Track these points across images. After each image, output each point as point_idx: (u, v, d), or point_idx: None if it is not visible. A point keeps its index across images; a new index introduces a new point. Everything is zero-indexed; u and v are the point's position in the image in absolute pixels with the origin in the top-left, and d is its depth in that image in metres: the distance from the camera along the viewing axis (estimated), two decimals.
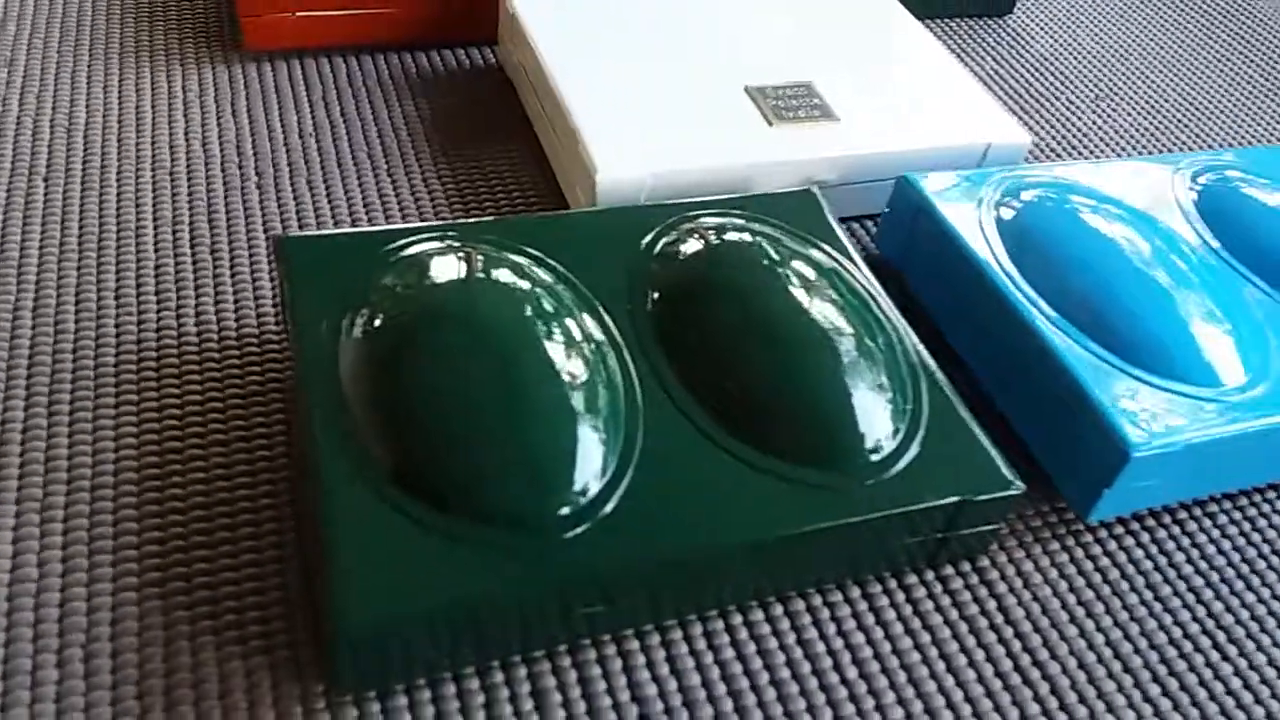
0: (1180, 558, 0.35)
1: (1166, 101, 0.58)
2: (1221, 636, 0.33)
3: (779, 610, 0.32)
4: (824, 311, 0.35)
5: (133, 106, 0.47)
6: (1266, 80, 0.61)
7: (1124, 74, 0.60)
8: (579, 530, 0.29)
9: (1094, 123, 0.56)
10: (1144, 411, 0.34)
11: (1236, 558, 0.36)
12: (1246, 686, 0.32)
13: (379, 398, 0.31)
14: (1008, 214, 0.40)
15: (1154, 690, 0.32)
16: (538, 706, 0.29)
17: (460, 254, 0.35)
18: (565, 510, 0.29)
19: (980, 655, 0.32)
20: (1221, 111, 0.58)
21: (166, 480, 0.33)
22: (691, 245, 0.38)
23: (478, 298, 0.34)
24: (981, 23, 0.63)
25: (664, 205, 0.39)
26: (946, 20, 0.62)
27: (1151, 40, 0.64)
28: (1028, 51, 0.61)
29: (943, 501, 0.31)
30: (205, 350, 0.37)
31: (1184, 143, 0.55)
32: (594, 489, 0.30)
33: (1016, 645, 0.32)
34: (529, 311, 0.34)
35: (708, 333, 0.35)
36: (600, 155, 0.41)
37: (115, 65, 0.49)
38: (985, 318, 0.38)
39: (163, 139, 0.45)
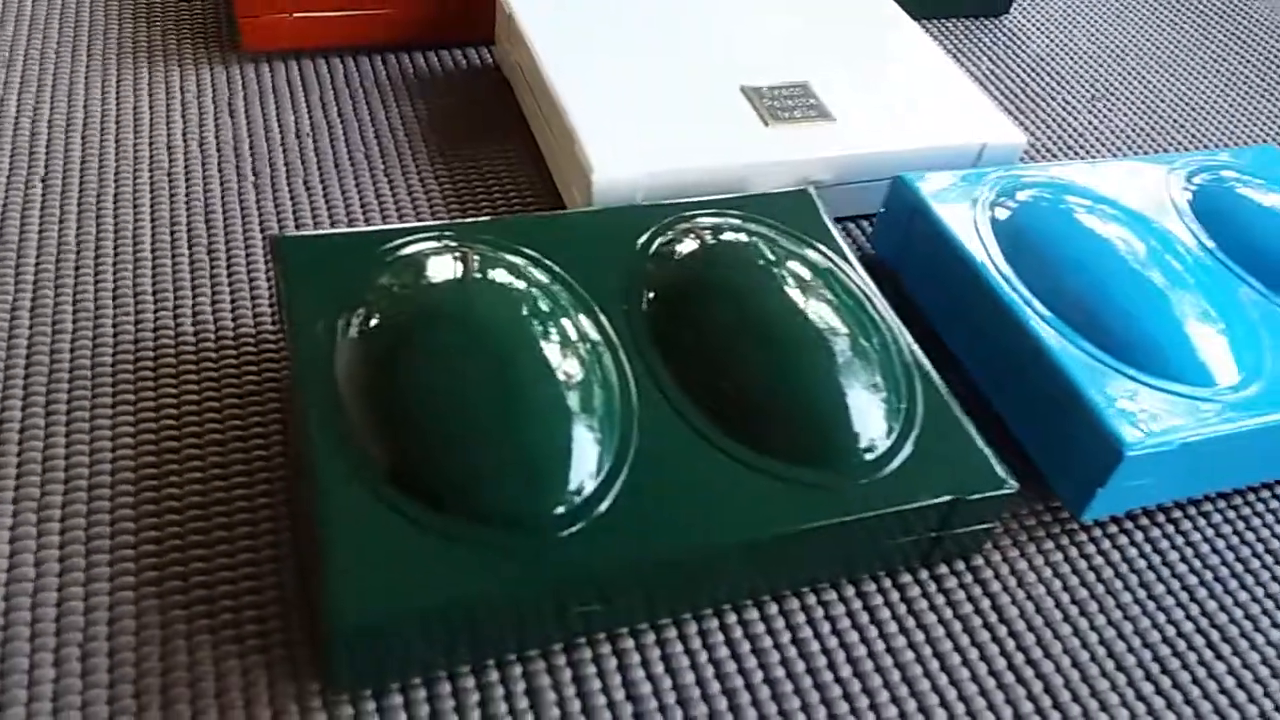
0: (1174, 556, 0.36)
1: (1162, 101, 0.58)
2: (1215, 635, 0.34)
3: (774, 609, 0.32)
4: (819, 312, 0.35)
5: (131, 107, 0.47)
6: (1262, 80, 0.61)
7: (1120, 74, 0.60)
8: (574, 529, 0.29)
9: (1090, 123, 0.56)
10: (1137, 411, 0.34)
11: (1230, 556, 0.36)
12: (1240, 685, 0.32)
13: (375, 397, 0.31)
14: (1003, 214, 0.40)
15: (1147, 688, 0.32)
16: (532, 705, 0.29)
17: (456, 254, 0.35)
18: (560, 509, 0.29)
19: (974, 654, 0.32)
20: (1217, 111, 0.58)
21: (163, 480, 0.33)
22: (687, 245, 0.38)
23: (473, 298, 0.34)
24: (978, 23, 0.63)
25: (659, 205, 0.39)
26: (943, 20, 0.62)
27: (1147, 40, 0.64)
28: (1024, 51, 0.61)
29: (936, 500, 0.31)
30: (202, 350, 0.37)
31: (1180, 143, 0.55)
32: (589, 488, 0.30)
33: (1010, 643, 0.32)
34: (524, 311, 0.34)
35: (703, 332, 0.35)
36: (596, 155, 0.41)
37: (114, 66, 0.49)
38: (980, 317, 0.38)
39: (160, 139, 0.46)
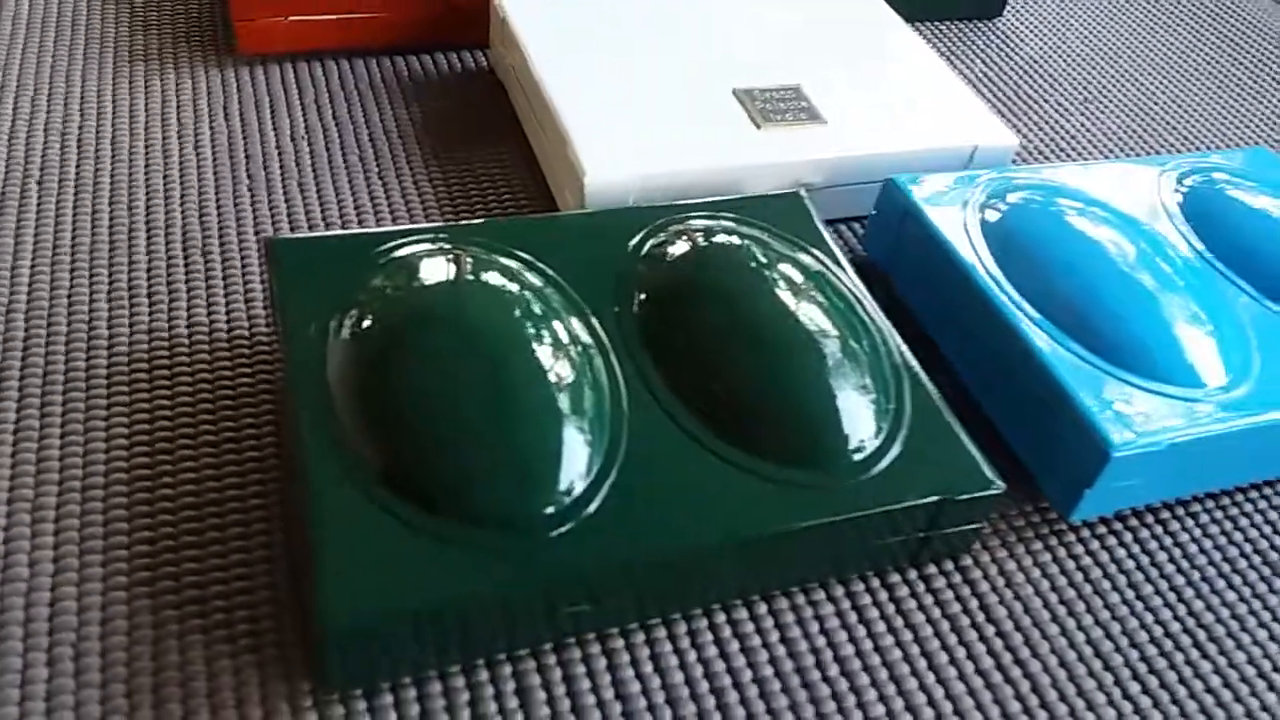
0: (1162, 557, 0.36)
1: (1155, 104, 0.59)
2: (1202, 635, 0.34)
3: (763, 609, 0.33)
4: (809, 314, 0.36)
5: (126, 109, 0.47)
6: (1254, 82, 0.62)
7: (1113, 76, 0.60)
8: (564, 529, 0.29)
9: (1083, 125, 0.56)
10: (1125, 412, 0.34)
11: (1218, 556, 0.36)
12: (1226, 685, 0.33)
13: (367, 399, 0.31)
14: (993, 216, 0.41)
15: (1134, 688, 0.32)
16: (522, 705, 0.29)
17: (449, 256, 0.36)
18: (550, 510, 0.30)
19: (961, 653, 0.32)
20: (1209, 113, 0.58)
21: (157, 481, 0.33)
22: (678, 247, 0.38)
23: (466, 300, 0.34)
24: (971, 25, 0.63)
25: (651, 207, 0.40)
26: (937, 23, 0.63)
27: (1140, 43, 0.64)
28: (1017, 54, 0.61)
29: (924, 500, 0.32)
30: (196, 352, 0.37)
31: (1172, 145, 0.56)
32: (579, 489, 0.30)
33: (998, 643, 0.33)
34: (516, 313, 0.34)
35: (693, 334, 0.35)
36: (589, 158, 0.41)
37: (109, 69, 0.50)
38: (970, 320, 0.38)
39: (156, 142, 0.46)
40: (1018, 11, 0.65)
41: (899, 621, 0.33)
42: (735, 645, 0.32)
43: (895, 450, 0.33)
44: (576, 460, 0.31)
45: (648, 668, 0.31)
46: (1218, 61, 0.63)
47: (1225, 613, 0.34)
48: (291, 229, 0.43)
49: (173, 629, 0.30)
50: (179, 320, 0.38)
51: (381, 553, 0.28)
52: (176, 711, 0.28)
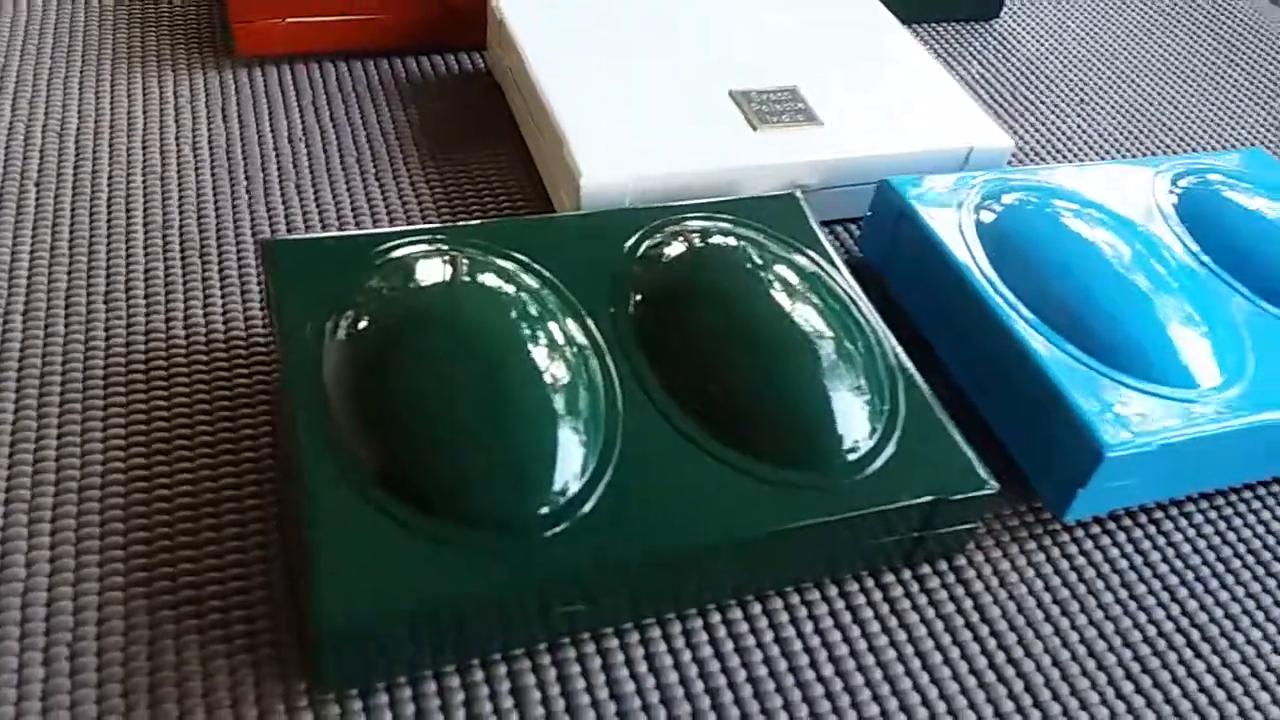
0: (1156, 557, 0.36)
1: (1151, 105, 0.59)
2: (1195, 634, 0.34)
3: (757, 609, 0.33)
4: (803, 315, 0.36)
5: (124, 111, 0.48)
6: (1250, 84, 0.62)
7: (1109, 78, 0.60)
8: (558, 530, 0.29)
9: (1079, 126, 0.56)
10: (1118, 412, 0.34)
11: (1212, 556, 0.36)
12: (1219, 684, 0.33)
13: (362, 400, 0.31)
14: (988, 217, 0.41)
15: (1127, 687, 0.32)
16: (517, 704, 0.29)
17: (445, 257, 0.36)
18: (545, 510, 0.30)
19: (956, 653, 0.32)
20: (1206, 115, 0.59)
21: (154, 482, 0.33)
22: (674, 248, 0.38)
23: (461, 301, 0.34)
24: (968, 27, 0.63)
25: (647, 209, 0.40)
26: (933, 24, 0.63)
27: (1137, 44, 0.64)
28: (1013, 55, 0.61)
29: (918, 500, 0.32)
30: (193, 353, 0.37)
31: (1168, 146, 0.56)
32: (573, 489, 0.30)
33: (992, 643, 0.33)
34: (511, 315, 0.34)
35: (688, 335, 0.35)
36: (585, 159, 0.42)
37: (107, 70, 0.50)
38: (964, 321, 0.38)
39: (153, 143, 0.46)
40: (1015, 13, 0.65)
41: (893, 621, 0.33)
42: (730, 645, 0.32)
43: (889, 450, 0.33)
44: (571, 461, 0.31)
45: (642, 668, 0.31)
46: (1215, 63, 0.63)
47: (1219, 612, 0.35)
48: (289, 230, 0.43)
49: (169, 629, 0.30)
50: (176, 321, 0.38)
51: (377, 553, 0.28)
52: (172, 711, 0.28)
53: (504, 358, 0.33)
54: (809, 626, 0.32)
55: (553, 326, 0.34)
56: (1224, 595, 0.35)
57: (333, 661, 0.28)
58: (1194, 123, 0.58)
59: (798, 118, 0.45)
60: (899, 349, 0.36)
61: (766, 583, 0.33)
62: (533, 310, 0.34)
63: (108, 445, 0.34)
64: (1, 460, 0.33)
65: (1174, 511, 0.37)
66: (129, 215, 0.42)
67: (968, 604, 0.34)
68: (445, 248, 0.36)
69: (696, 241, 0.38)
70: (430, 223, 0.44)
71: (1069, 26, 0.65)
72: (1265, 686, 0.33)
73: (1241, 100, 0.60)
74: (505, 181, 0.47)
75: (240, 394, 0.36)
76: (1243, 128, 0.58)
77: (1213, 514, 0.38)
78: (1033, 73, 0.60)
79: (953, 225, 0.40)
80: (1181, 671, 0.33)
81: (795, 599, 0.33)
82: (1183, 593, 0.35)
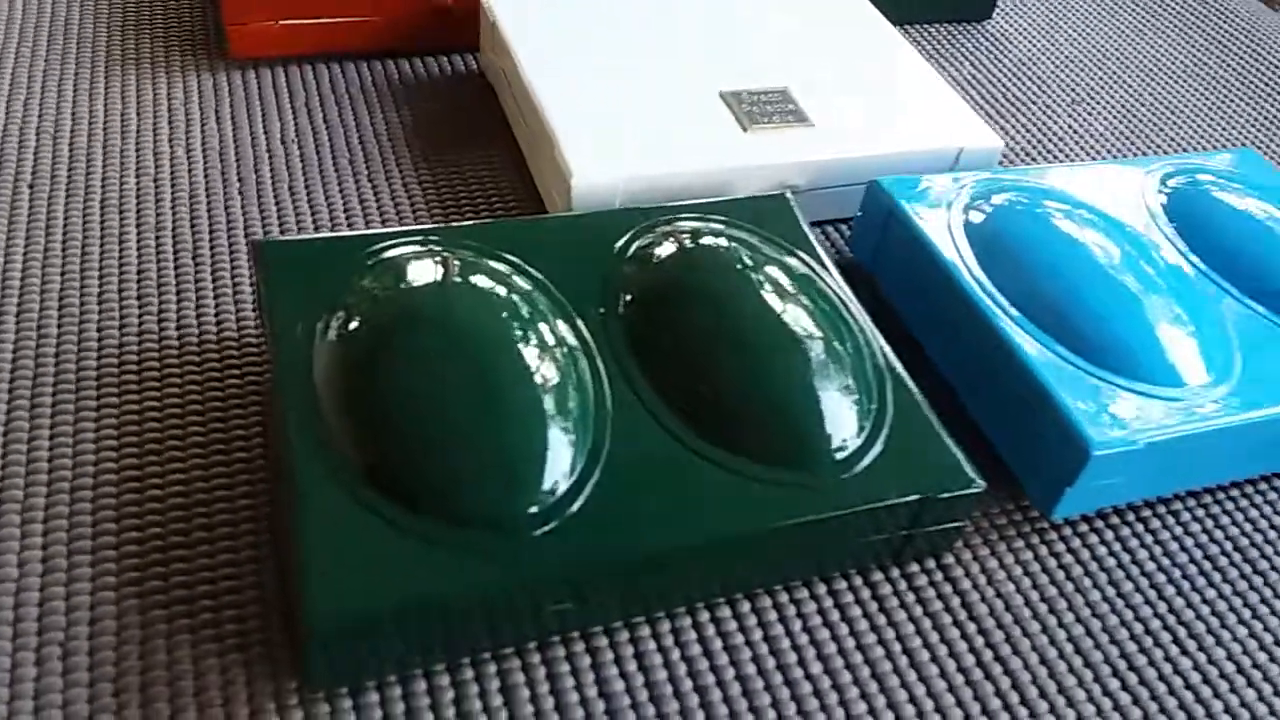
0: (1143, 554, 0.36)
1: (1143, 105, 0.59)
2: (1182, 632, 0.34)
3: (746, 608, 0.33)
4: (792, 315, 0.36)
5: (118, 114, 0.48)
6: (1241, 84, 0.62)
7: (1101, 78, 0.61)
8: (547, 529, 0.30)
9: (1070, 126, 0.56)
10: (1105, 411, 0.34)
11: (1199, 554, 0.36)
12: (1205, 681, 0.33)
13: (353, 400, 0.31)
14: (976, 218, 0.41)
15: (1114, 684, 0.32)
16: (506, 703, 0.30)
17: (435, 258, 0.36)
18: (534, 509, 0.30)
19: (943, 650, 0.32)
20: (1198, 115, 0.59)
21: (146, 482, 0.34)
22: (663, 249, 0.38)
23: (451, 302, 0.35)
24: (960, 27, 0.63)
25: (637, 209, 0.40)
26: (925, 25, 0.63)
27: (1129, 45, 0.64)
28: (1006, 56, 0.61)
29: (905, 499, 0.32)
30: (186, 354, 0.38)
31: (1160, 146, 0.56)
32: (562, 488, 0.31)
33: (979, 641, 0.33)
34: (501, 315, 0.34)
35: (678, 335, 0.35)
36: (576, 160, 0.42)
37: (101, 73, 0.50)
38: (953, 321, 0.39)
39: (147, 146, 0.46)
40: (1007, 14, 0.65)
41: (881, 619, 0.33)
42: (719, 643, 0.32)
43: (877, 449, 0.33)
44: (560, 460, 0.31)
45: (631, 666, 0.31)
46: (1206, 63, 0.64)
47: (1205, 610, 0.35)
48: (281, 231, 0.43)
49: (160, 629, 0.30)
50: (169, 322, 0.39)
51: (367, 552, 0.28)
52: (164, 711, 0.28)
53: (493, 358, 0.33)
54: (797, 625, 0.33)
55: (542, 327, 0.34)
56: (1211, 593, 0.35)
57: (323, 661, 0.28)
58: (1186, 123, 0.58)
59: (788, 118, 0.46)
60: (887, 349, 0.36)
61: (755, 582, 0.33)
62: (522, 310, 0.35)
63: (100, 446, 0.34)
64: None
65: (1161, 510, 0.38)
66: (122, 216, 0.43)
67: (955, 602, 0.34)
68: (436, 249, 0.36)
69: (686, 242, 0.39)
70: (422, 223, 0.44)
71: (1061, 27, 0.65)
72: (1251, 684, 0.33)
73: (1233, 100, 0.60)
74: (497, 182, 0.47)
75: (232, 394, 0.37)
76: (1234, 128, 0.58)
77: (1200, 512, 0.38)
78: (1025, 73, 0.60)
79: (941, 225, 0.41)
80: (1168, 669, 0.33)
81: (784, 598, 0.33)
82: (1170, 591, 0.35)
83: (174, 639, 0.30)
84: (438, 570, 0.28)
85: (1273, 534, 0.37)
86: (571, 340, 0.35)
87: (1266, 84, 0.62)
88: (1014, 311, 0.37)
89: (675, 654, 0.31)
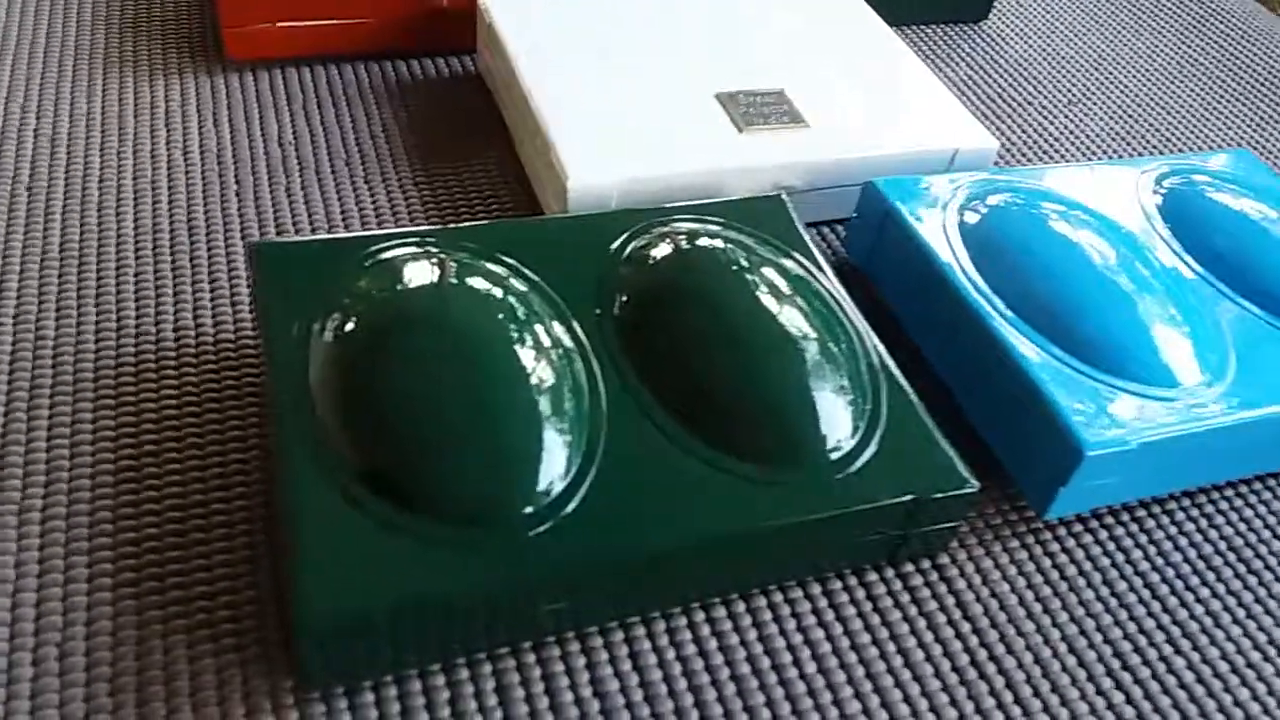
0: (1138, 554, 0.36)
1: (1140, 106, 0.59)
2: (1176, 631, 0.34)
3: (741, 607, 0.33)
4: (787, 316, 0.36)
5: (115, 116, 0.48)
6: (1238, 84, 0.62)
7: (1098, 79, 0.61)
8: (542, 529, 0.30)
9: (1067, 127, 0.56)
10: (1099, 411, 0.35)
11: (1193, 554, 0.36)
12: (1199, 680, 0.33)
13: (347, 400, 0.31)
14: (971, 218, 0.41)
15: (1107, 683, 0.32)
16: (501, 702, 0.30)
17: (430, 259, 0.36)
18: (529, 509, 0.30)
19: (938, 650, 0.33)
20: (1195, 116, 0.59)
21: (142, 483, 0.34)
22: (659, 250, 0.38)
23: (446, 302, 0.35)
24: (957, 29, 0.64)
25: (633, 211, 0.40)
26: (922, 26, 0.63)
27: (1126, 45, 0.64)
28: (1002, 57, 0.61)
29: (899, 499, 0.32)
30: (183, 355, 0.38)
31: (1157, 147, 0.56)
32: (557, 488, 0.31)
33: (974, 640, 0.33)
34: (497, 316, 0.34)
35: (673, 336, 0.35)
36: (571, 162, 0.42)
37: (99, 76, 0.50)
38: (949, 321, 0.39)
39: (144, 149, 0.46)
40: (1003, 14, 0.66)
41: (876, 619, 0.33)
42: (713, 644, 0.32)
43: (871, 450, 0.33)
44: (555, 461, 0.31)
45: (626, 666, 0.31)
46: (1203, 64, 0.64)
47: (1200, 609, 0.35)
48: (278, 233, 0.43)
49: (157, 629, 0.30)
50: (166, 324, 0.39)
51: (361, 552, 0.29)
52: (160, 710, 0.29)
53: (488, 358, 0.33)
54: (792, 625, 0.33)
55: (538, 328, 0.34)
56: (1205, 592, 0.35)
57: (317, 660, 0.28)
58: (1182, 124, 0.58)
59: (784, 120, 0.46)
60: (882, 349, 0.36)
61: (750, 581, 0.33)
62: (518, 311, 0.35)
63: (97, 447, 0.34)
64: None
65: (1156, 509, 0.38)
66: (119, 219, 0.43)
67: (950, 601, 0.34)
68: (432, 250, 0.36)
69: (682, 243, 0.39)
70: (419, 225, 0.44)
71: (1058, 28, 0.65)
72: (1245, 683, 0.33)
73: (1229, 101, 0.61)
74: (494, 184, 0.47)
75: (229, 395, 0.37)
76: (1230, 129, 0.58)
77: (1194, 512, 0.38)
78: (1021, 74, 0.60)
79: (937, 226, 0.41)
80: (1162, 668, 0.33)
81: (779, 597, 0.33)
82: (1164, 590, 0.35)
83: (170, 639, 0.30)
84: (432, 570, 0.29)
85: (1267, 534, 0.37)
86: (567, 341, 0.35)
87: (1262, 85, 0.63)
88: (1009, 312, 0.37)
89: (670, 654, 0.31)
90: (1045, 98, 0.58)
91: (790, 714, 0.31)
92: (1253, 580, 0.36)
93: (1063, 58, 0.62)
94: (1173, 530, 0.37)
